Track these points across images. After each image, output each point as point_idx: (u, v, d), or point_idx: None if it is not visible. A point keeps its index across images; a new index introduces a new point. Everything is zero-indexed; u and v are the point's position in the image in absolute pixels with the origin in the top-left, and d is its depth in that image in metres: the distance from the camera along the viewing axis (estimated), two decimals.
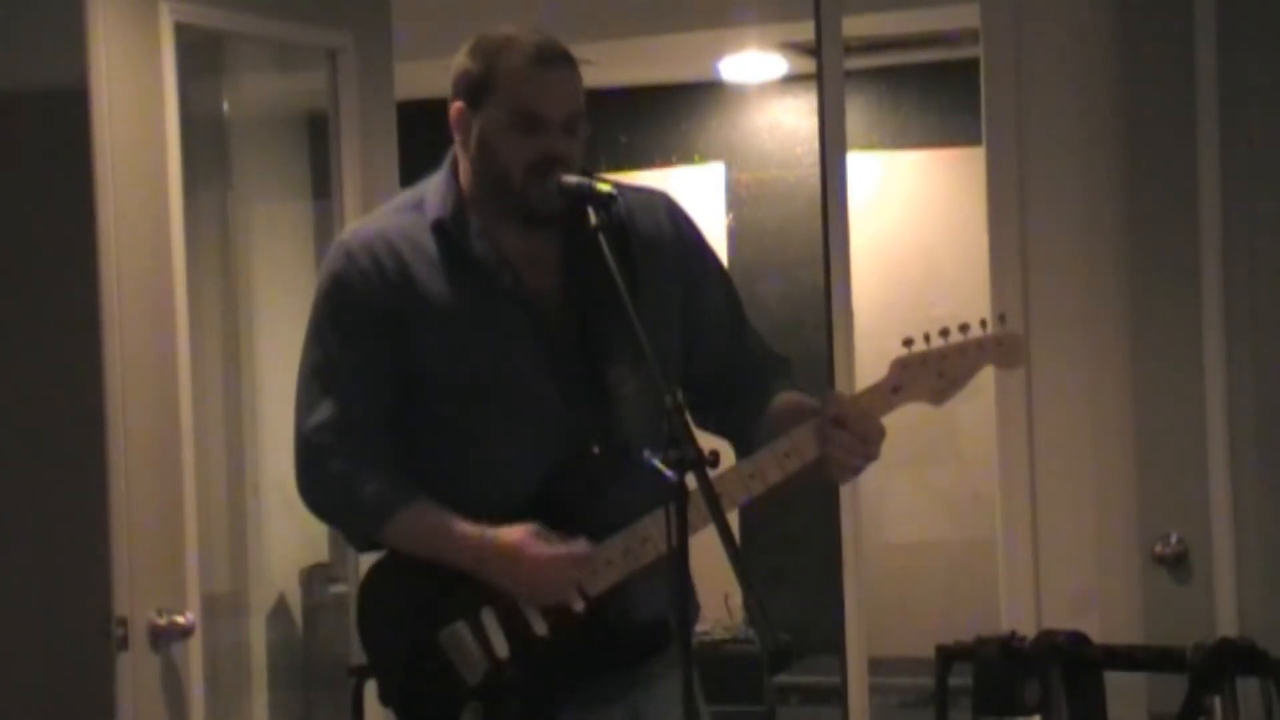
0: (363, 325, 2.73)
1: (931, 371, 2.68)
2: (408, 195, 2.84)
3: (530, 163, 2.67)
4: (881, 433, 2.68)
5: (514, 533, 2.66)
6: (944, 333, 2.68)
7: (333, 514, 2.84)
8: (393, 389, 2.74)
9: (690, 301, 2.84)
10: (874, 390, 2.70)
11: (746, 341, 2.90)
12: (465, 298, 2.72)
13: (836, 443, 2.65)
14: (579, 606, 2.66)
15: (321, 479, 2.75)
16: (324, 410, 2.73)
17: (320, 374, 2.75)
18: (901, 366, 2.68)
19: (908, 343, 2.67)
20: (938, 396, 2.70)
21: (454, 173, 2.79)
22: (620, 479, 2.67)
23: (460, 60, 2.75)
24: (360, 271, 2.73)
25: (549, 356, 2.73)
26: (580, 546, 2.66)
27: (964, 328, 2.68)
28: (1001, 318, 2.74)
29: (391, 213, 2.81)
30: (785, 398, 2.79)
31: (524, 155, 2.67)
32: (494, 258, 2.73)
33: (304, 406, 2.76)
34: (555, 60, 2.69)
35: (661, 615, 2.69)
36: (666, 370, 2.56)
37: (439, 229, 2.74)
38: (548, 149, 2.67)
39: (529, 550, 2.64)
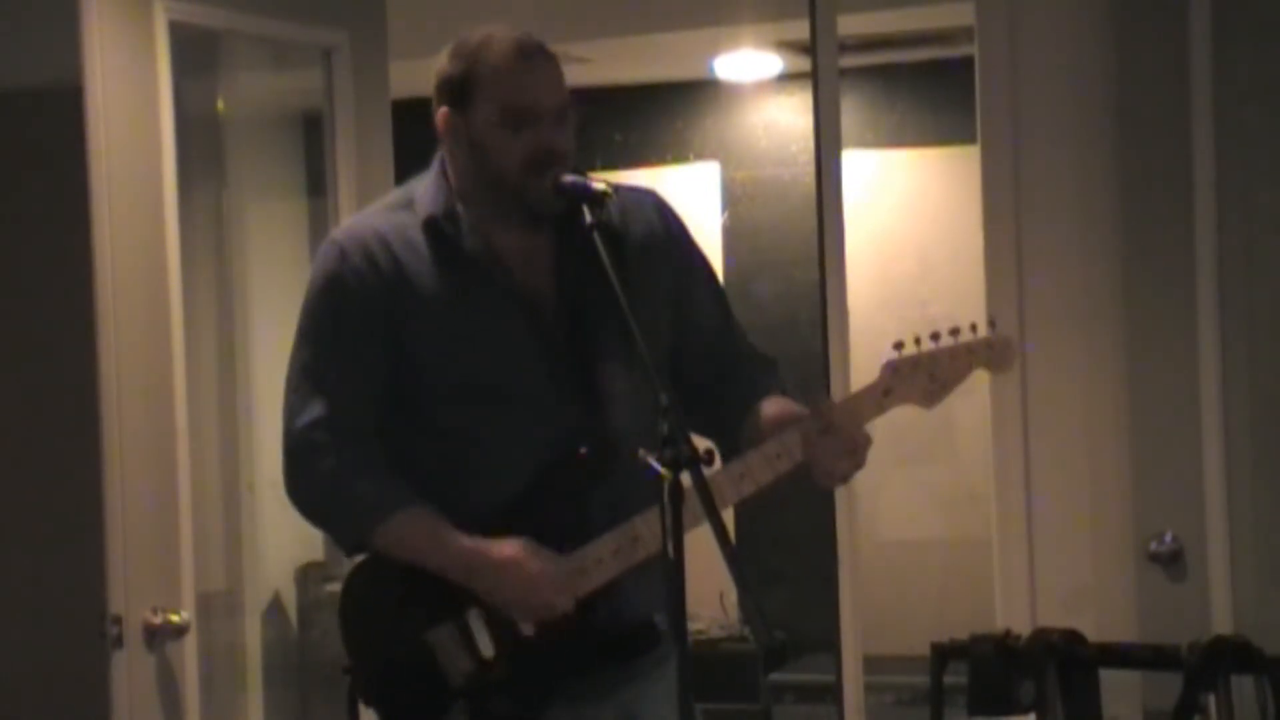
0: (357, 324, 2.72)
1: (923, 374, 2.67)
2: (396, 195, 2.83)
3: (526, 158, 2.66)
4: (868, 441, 2.68)
5: (507, 547, 2.64)
6: (935, 336, 2.67)
7: (322, 515, 2.81)
8: (384, 389, 2.73)
9: (679, 300, 2.83)
10: (865, 393, 2.70)
11: (733, 341, 2.90)
12: (459, 295, 2.71)
13: (822, 449, 2.65)
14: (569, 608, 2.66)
15: (312, 479, 2.73)
16: (316, 408, 2.71)
17: (312, 372, 2.73)
18: (892, 370, 2.67)
19: (898, 346, 2.66)
20: (929, 399, 2.69)
21: (444, 172, 2.78)
22: (608, 480, 2.67)
23: (440, 65, 2.74)
24: (354, 270, 2.72)
25: (542, 354, 2.73)
26: (572, 564, 2.65)
27: (955, 331, 2.68)
28: (992, 322, 2.74)
29: (382, 211, 2.80)
30: (772, 401, 2.78)
31: (519, 151, 2.67)
32: (487, 255, 2.73)
33: (295, 405, 2.74)
34: (536, 53, 2.69)
35: (650, 615, 2.69)
36: (661, 368, 2.56)
37: (431, 226, 2.73)
38: (542, 142, 2.66)
39: (523, 567, 2.63)
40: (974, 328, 2.69)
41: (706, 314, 2.88)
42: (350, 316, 2.73)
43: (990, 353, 2.71)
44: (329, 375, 2.73)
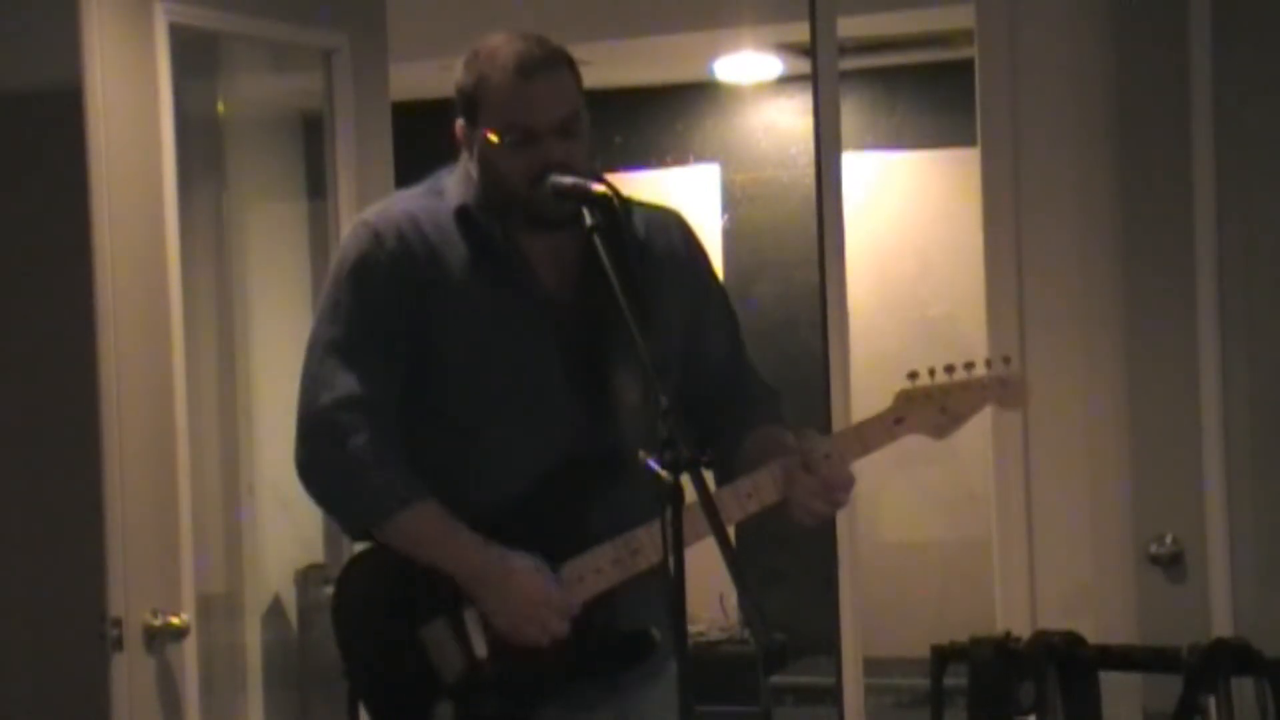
0: (387, 306, 2.71)
1: (934, 406, 2.72)
2: (427, 183, 2.83)
3: (530, 174, 2.67)
4: (850, 481, 2.71)
5: (519, 564, 2.64)
6: (949, 369, 2.72)
7: (335, 497, 2.76)
8: (404, 374, 2.72)
9: (691, 321, 2.85)
10: (876, 420, 2.74)
11: (741, 368, 2.91)
12: (486, 288, 2.72)
13: (802, 486, 2.68)
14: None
15: (333, 459, 2.69)
16: (348, 384, 2.68)
17: (341, 350, 2.70)
18: (905, 399, 2.72)
19: (913, 375, 2.71)
20: (939, 431, 2.75)
21: (468, 170, 2.78)
22: (612, 486, 2.67)
23: (457, 76, 2.75)
24: (388, 252, 2.71)
25: (556, 357, 2.73)
26: (569, 572, 2.66)
27: (969, 366, 2.73)
28: (1006, 359, 2.78)
29: (413, 196, 2.81)
30: (766, 431, 2.81)
31: (522, 168, 2.67)
32: (514, 252, 2.74)
33: (322, 379, 2.70)
34: (538, 68, 2.67)
35: (644, 626, 2.69)
36: (663, 373, 2.55)
37: (463, 216, 2.74)
38: (544, 158, 2.66)
39: (530, 587, 2.63)
40: (988, 364, 2.75)
41: (716, 338, 2.89)
42: (382, 298, 2.72)
43: (1003, 389, 2.77)
44: (360, 352, 2.70)
